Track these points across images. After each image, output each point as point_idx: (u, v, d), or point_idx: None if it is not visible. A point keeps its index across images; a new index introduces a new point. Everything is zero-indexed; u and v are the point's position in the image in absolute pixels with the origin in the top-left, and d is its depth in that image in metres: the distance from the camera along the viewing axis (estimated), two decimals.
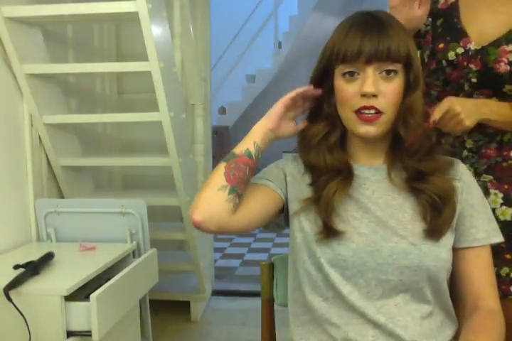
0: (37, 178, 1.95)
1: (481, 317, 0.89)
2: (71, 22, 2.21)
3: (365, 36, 0.85)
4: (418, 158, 0.90)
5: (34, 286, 1.37)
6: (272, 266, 1.11)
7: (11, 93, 1.83)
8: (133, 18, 1.72)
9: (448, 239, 0.90)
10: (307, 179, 0.96)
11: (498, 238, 0.94)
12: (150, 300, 2.05)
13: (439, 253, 0.88)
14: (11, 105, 1.83)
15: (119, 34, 2.79)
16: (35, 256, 1.52)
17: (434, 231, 0.88)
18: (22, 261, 1.46)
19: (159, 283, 1.88)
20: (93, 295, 1.33)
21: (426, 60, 1.16)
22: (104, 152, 2.67)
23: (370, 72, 0.85)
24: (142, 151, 2.77)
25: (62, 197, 2.11)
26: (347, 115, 0.89)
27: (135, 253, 1.85)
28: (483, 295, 0.91)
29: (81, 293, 1.47)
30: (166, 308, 2.61)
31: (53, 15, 1.80)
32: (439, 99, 1.14)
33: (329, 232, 0.89)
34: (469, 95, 1.13)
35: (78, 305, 1.36)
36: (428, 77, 1.17)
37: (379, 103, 0.86)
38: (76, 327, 1.37)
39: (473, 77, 1.11)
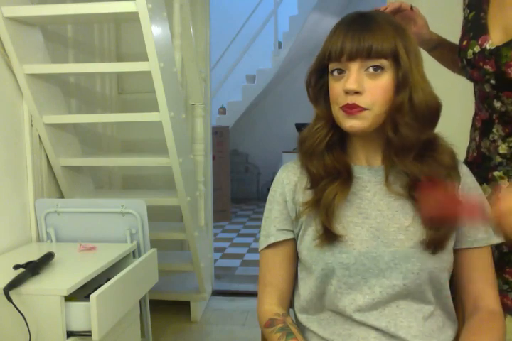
0: (37, 178, 1.95)
1: (482, 318, 0.89)
2: (71, 22, 2.22)
3: (348, 34, 0.85)
4: (411, 159, 0.88)
5: (34, 286, 1.37)
6: None
7: (11, 93, 1.83)
8: (133, 18, 1.72)
9: (449, 241, 0.90)
10: (308, 184, 0.96)
11: (498, 238, 0.94)
12: (150, 300, 2.05)
13: (440, 255, 0.88)
14: (11, 105, 1.83)
15: (119, 34, 2.79)
16: (35, 256, 1.52)
17: (433, 242, 0.87)
18: (22, 261, 1.46)
19: (159, 283, 1.88)
20: (93, 295, 1.33)
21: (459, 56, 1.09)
22: (104, 152, 2.67)
23: (354, 69, 0.85)
24: (142, 151, 2.78)
25: (62, 197, 2.11)
26: (335, 112, 0.89)
27: (135, 253, 1.85)
28: (484, 296, 0.91)
29: (81, 293, 1.47)
30: (166, 308, 2.61)
31: (53, 16, 1.80)
32: (479, 97, 1.08)
33: (329, 236, 0.89)
34: (495, 97, 1.04)
35: (78, 305, 1.36)
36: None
37: (362, 100, 0.85)
38: (76, 327, 1.36)
39: (491, 78, 1.02)
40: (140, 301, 1.87)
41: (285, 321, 0.93)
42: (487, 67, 1.01)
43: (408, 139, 0.87)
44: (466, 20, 1.11)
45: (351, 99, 0.85)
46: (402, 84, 0.86)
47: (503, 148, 1.05)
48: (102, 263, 1.57)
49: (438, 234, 0.87)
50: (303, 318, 0.97)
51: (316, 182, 0.93)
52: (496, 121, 1.06)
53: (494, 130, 1.06)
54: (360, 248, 0.89)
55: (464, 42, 1.07)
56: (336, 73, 0.87)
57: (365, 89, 0.85)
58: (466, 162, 1.14)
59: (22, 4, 1.79)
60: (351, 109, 0.85)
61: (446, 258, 0.89)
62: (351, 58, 0.85)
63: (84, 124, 2.44)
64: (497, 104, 1.04)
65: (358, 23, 0.86)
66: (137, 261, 1.68)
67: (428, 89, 0.89)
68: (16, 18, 1.76)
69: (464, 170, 0.95)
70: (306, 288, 0.95)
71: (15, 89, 1.84)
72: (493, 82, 1.02)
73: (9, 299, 1.30)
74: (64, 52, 2.29)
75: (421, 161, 0.89)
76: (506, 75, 0.98)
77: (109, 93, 2.74)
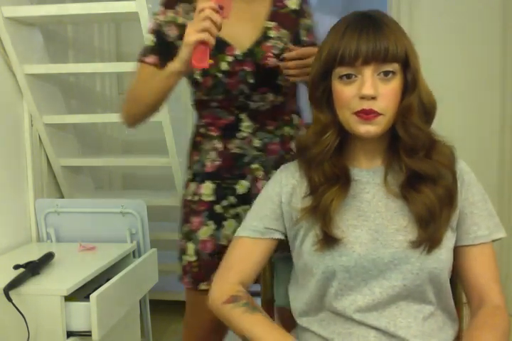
0: (37, 178, 1.95)
1: (486, 313, 0.89)
2: (71, 22, 2.22)
3: (362, 37, 0.84)
4: (417, 158, 0.89)
5: (34, 286, 1.37)
6: (272, 266, 1.11)
7: (11, 93, 1.83)
8: (133, 18, 1.73)
9: (448, 240, 0.90)
10: (307, 189, 0.95)
11: (501, 233, 0.94)
12: (150, 300, 2.05)
13: (439, 255, 0.88)
14: (11, 105, 1.83)
15: (119, 34, 2.79)
16: (35, 256, 1.52)
17: (425, 240, 0.87)
18: (22, 261, 1.46)
19: (159, 283, 1.88)
20: (93, 295, 1.33)
21: (200, 81, 1.17)
22: (104, 152, 2.67)
23: (369, 74, 0.84)
24: (142, 151, 2.77)
25: (62, 197, 2.11)
26: (346, 117, 0.88)
27: (135, 253, 1.86)
28: (488, 291, 0.91)
29: (81, 293, 1.47)
30: (166, 308, 2.61)
31: (53, 16, 1.80)
32: (220, 108, 1.20)
33: (328, 241, 0.89)
34: (249, 96, 1.18)
35: (78, 305, 1.36)
36: (206, 95, 1.19)
37: (378, 105, 0.85)
38: (76, 327, 1.37)
39: (250, 78, 1.16)
40: (140, 301, 1.87)
41: (249, 298, 0.94)
42: (246, 67, 1.16)
43: (419, 138, 0.88)
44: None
45: (368, 105, 0.84)
46: (411, 86, 0.87)
47: (256, 142, 1.21)
48: (102, 263, 1.57)
49: (427, 231, 0.87)
50: (303, 321, 0.97)
51: (315, 188, 0.93)
52: (247, 119, 1.20)
53: (243, 128, 1.20)
54: (360, 250, 0.89)
55: (210, 61, 1.10)
56: (345, 78, 0.86)
57: (378, 94, 0.84)
58: (207, 174, 1.22)
59: (22, 4, 1.79)
60: (367, 115, 0.85)
61: (445, 257, 0.89)
62: (366, 62, 0.84)
63: (85, 124, 2.44)
64: (250, 103, 1.19)
65: (369, 26, 0.85)
66: (137, 261, 1.68)
67: (427, 88, 0.90)
68: (15, 18, 1.76)
69: (463, 166, 0.95)
70: (306, 292, 0.95)
71: (15, 89, 1.84)
72: (251, 80, 1.16)
73: (9, 299, 1.30)
74: (64, 52, 2.29)
75: (428, 158, 0.89)
76: (266, 65, 1.16)
77: (109, 93, 2.73)
